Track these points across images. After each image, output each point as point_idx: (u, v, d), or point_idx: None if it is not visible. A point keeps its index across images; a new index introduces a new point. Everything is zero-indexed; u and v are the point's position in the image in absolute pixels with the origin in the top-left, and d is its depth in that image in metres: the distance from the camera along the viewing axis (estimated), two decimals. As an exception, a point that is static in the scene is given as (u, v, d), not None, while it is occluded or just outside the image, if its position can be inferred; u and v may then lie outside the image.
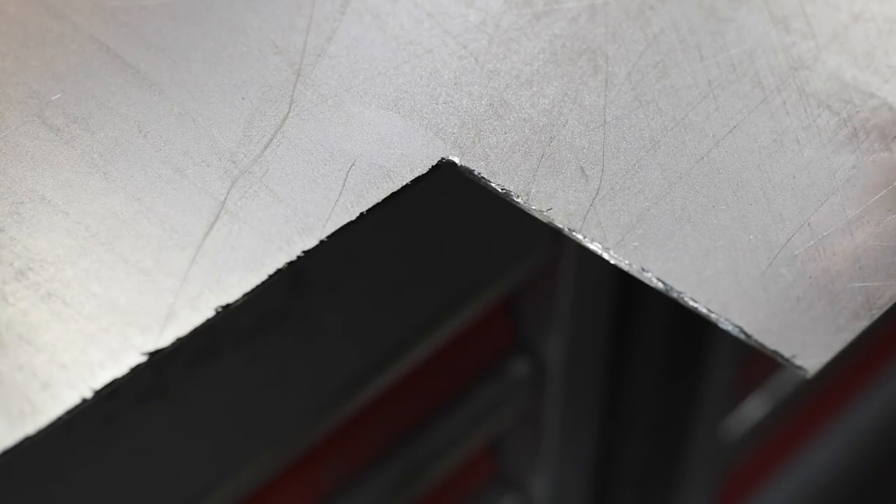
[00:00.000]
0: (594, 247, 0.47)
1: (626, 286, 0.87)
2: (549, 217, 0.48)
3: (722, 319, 0.45)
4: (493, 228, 0.75)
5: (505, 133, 0.51)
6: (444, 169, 0.50)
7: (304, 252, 0.46)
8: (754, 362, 1.05)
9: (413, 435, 0.80)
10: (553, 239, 0.79)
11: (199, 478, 0.66)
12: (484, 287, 0.76)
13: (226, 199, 0.48)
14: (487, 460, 0.90)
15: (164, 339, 0.44)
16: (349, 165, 0.49)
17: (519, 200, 0.49)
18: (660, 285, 0.46)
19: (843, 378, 1.21)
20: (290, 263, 0.46)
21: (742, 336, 0.45)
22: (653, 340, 0.92)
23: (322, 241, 0.47)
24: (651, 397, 0.96)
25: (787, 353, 0.45)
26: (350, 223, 0.48)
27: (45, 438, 0.57)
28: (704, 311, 0.46)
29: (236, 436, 0.67)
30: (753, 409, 1.11)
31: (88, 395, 0.43)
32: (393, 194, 0.49)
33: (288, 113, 0.51)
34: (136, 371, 0.43)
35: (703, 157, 0.50)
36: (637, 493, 1.02)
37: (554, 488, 0.92)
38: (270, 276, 0.46)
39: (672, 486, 1.04)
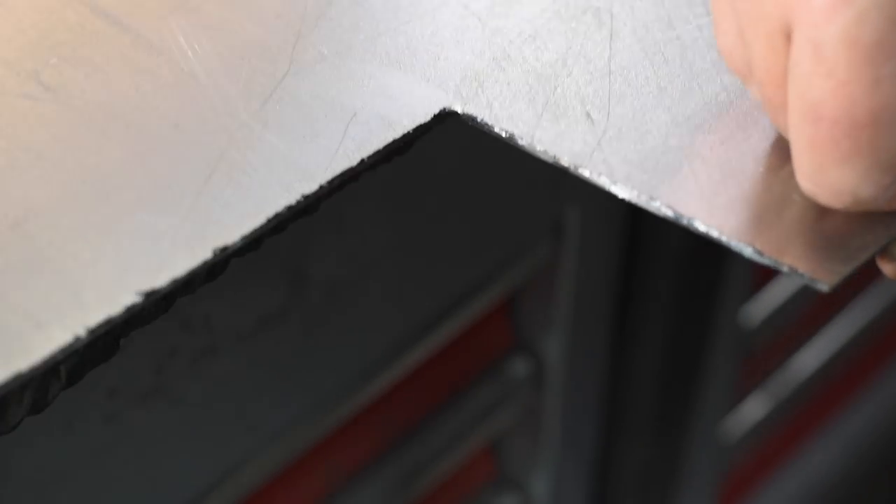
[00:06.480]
0: (602, 181, 0.47)
1: (626, 286, 0.87)
2: (554, 157, 0.48)
3: (733, 241, 0.45)
4: (493, 228, 0.75)
5: (508, 83, 0.51)
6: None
7: (303, 196, 0.46)
8: (754, 362, 1.05)
9: (413, 435, 0.80)
10: (553, 239, 0.79)
11: (200, 478, 0.66)
12: (484, 287, 0.76)
13: (224, 151, 0.48)
14: (487, 460, 0.90)
15: (160, 280, 0.44)
16: (350, 117, 0.49)
17: (523, 143, 0.48)
18: (669, 213, 0.46)
19: (843, 378, 1.21)
20: (290, 207, 0.46)
21: (756, 256, 0.44)
22: (653, 341, 0.92)
23: (322, 186, 0.46)
24: (651, 397, 0.96)
25: (803, 269, 0.44)
26: (351, 169, 0.47)
27: (45, 438, 0.57)
28: (716, 234, 0.45)
29: (237, 435, 0.67)
30: (753, 409, 1.11)
31: (82, 333, 0.42)
32: (395, 141, 0.48)
33: (288, 70, 0.51)
34: (132, 311, 0.43)
35: (712, 100, 0.50)
36: (637, 493, 1.02)
37: (554, 488, 0.92)
38: (269, 220, 0.45)
39: (672, 486, 1.04)
